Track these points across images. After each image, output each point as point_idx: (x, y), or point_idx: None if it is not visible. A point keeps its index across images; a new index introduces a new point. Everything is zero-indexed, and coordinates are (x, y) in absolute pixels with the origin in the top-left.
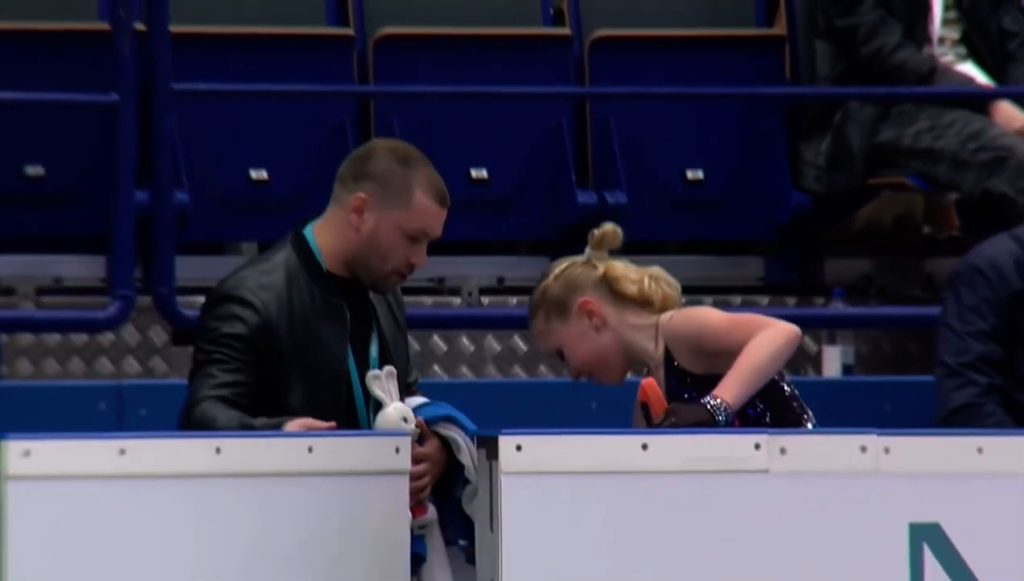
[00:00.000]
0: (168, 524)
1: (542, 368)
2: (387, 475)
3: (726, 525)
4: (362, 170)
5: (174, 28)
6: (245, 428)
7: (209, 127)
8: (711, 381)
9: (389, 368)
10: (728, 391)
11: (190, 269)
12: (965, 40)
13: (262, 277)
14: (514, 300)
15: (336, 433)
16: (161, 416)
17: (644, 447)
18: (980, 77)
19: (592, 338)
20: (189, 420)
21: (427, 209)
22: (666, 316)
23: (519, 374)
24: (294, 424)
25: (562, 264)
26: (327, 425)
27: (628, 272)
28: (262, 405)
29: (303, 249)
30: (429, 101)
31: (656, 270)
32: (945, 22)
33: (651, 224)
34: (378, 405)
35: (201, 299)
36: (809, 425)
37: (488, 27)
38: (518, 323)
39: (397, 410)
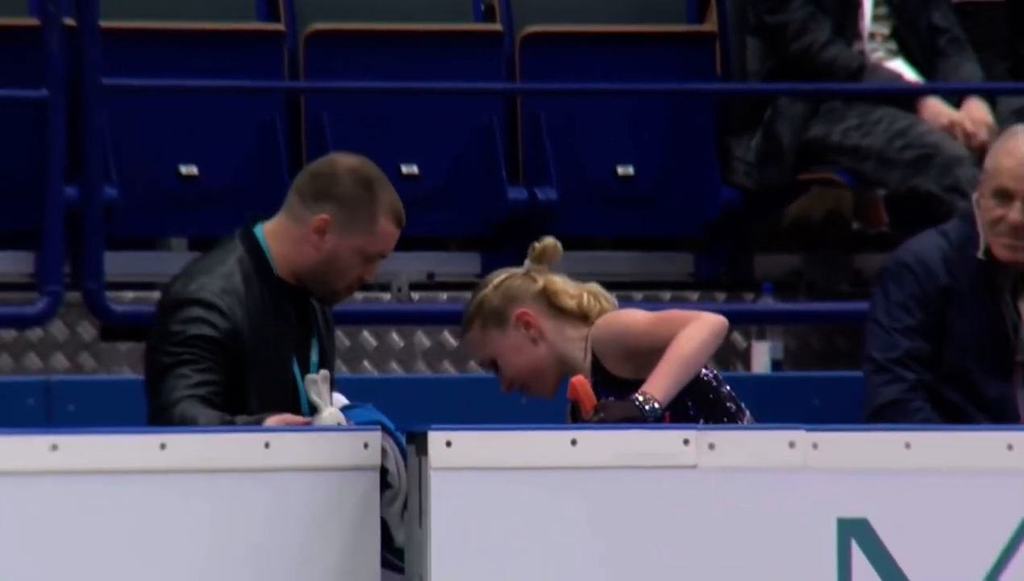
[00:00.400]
0: (108, 522)
1: (472, 364)
2: (355, 470)
3: (655, 521)
4: (326, 191)
5: (104, 23)
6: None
7: (139, 122)
8: (639, 385)
9: (324, 372)
10: (656, 386)
11: (119, 264)
12: (895, 36)
13: (222, 281)
14: (444, 296)
15: (306, 429)
16: (89, 412)
17: (573, 443)
18: (909, 74)
19: (528, 350)
20: (168, 422)
21: (388, 234)
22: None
23: (449, 370)
24: (273, 420)
25: (501, 275)
26: (305, 420)
27: (567, 286)
28: (225, 410)
29: (256, 253)
30: (360, 97)
31: (594, 286)
32: (875, 18)
33: (582, 220)
34: (313, 409)
35: (131, 295)
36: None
37: (419, 23)
38: (448, 319)
39: (332, 415)
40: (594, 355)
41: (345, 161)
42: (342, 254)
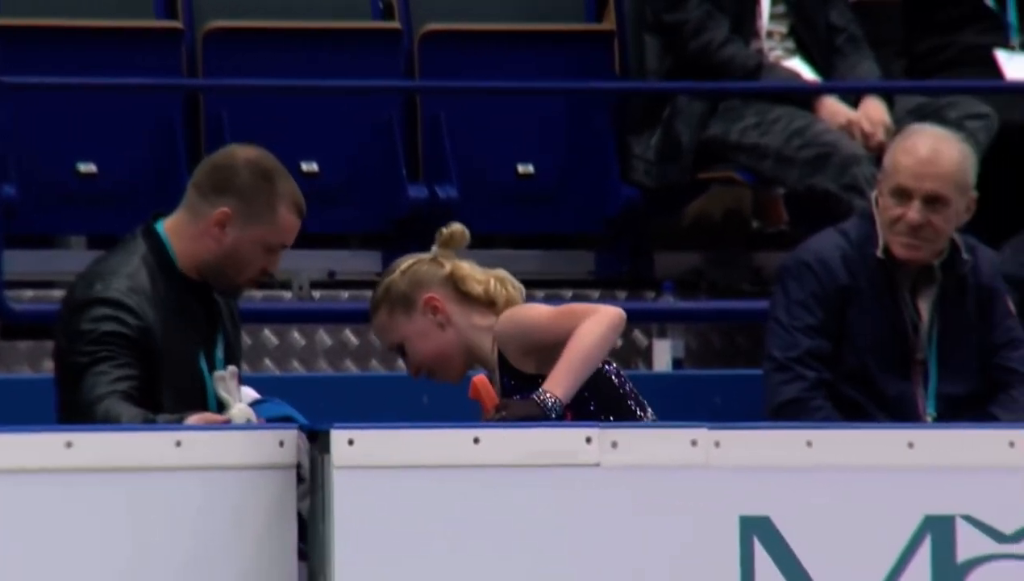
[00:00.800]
0: (10, 521)
1: (373, 362)
2: (271, 469)
3: (558, 519)
4: (224, 184)
5: (3, 20)
6: (149, 423)
7: (37, 120)
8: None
9: (232, 369)
10: (558, 384)
11: (18, 263)
12: (793, 34)
13: (128, 280)
14: (345, 294)
15: (221, 427)
16: None
17: (476, 441)
18: (807, 73)
19: (435, 335)
20: (91, 420)
21: (290, 224)
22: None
23: (350, 368)
24: (195, 419)
25: (408, 260)
26: (224, 418)
27: (474, 272)
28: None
29: (159, 250)
30: (259, 95)
31: (501, 272)
32: (773, 16)
33: (482, 218)
34: (221, 405)
35: (30, 293)
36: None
37: (318, 21)
38: (349, 317)
39: (242, 412)
40: (499, 350)
41: (243, 153)
42: (243, 246)
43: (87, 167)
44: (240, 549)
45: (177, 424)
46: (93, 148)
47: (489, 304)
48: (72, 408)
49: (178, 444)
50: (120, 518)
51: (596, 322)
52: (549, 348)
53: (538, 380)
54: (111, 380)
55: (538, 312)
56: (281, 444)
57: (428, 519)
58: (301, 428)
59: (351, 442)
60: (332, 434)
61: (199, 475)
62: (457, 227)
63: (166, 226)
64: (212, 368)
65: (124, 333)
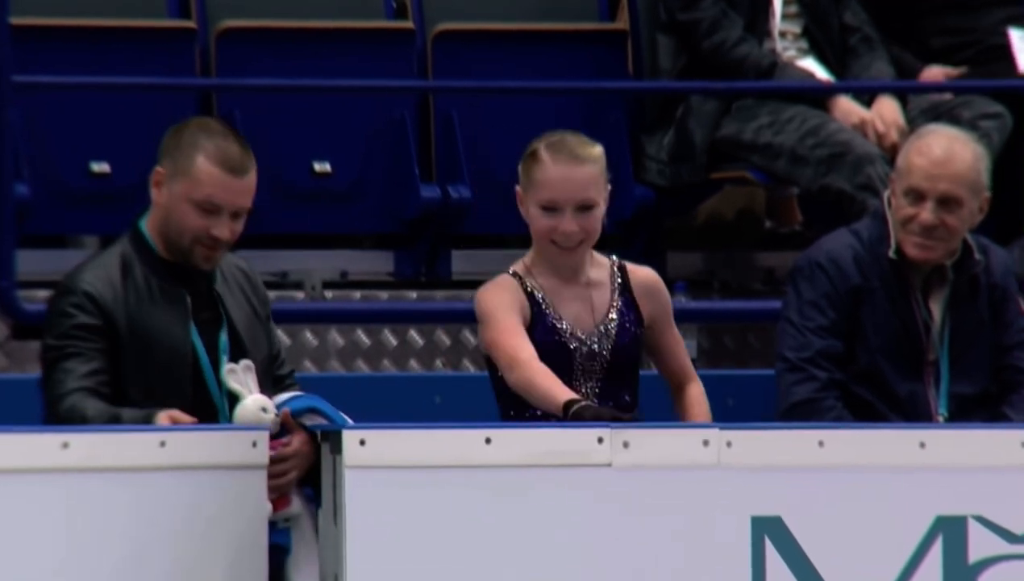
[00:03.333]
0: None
1: (385, 362)
2: (244, 469)
3: (569, 519)
4: (164, 146)
5: (15, 20)
6: (114, 420)
7: (51, 120)
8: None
9: (246, 362)
10: None
11: (31, 263)
12: (806, 34)
13: (97, 269)
14: (357, 294)
15: (194, 427)
16: (1, 411)
17: (488, 441)
18: (821, 72)
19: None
20: (57, 417)
21: (211, 176)
22: (608, 255)
23: (362, 368)
24: (162, 416)
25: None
26: (191, 420)
27: None
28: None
29: (137, 238)
30: (272, 94)
31: None
32: (786, 16)
33: (495, 219)
34: (235, 399)
35: (43, 293)
36: None
37: (331, 20)
38: (361, 317)
39: (255, 401)
40: (620, 284)
41: (199, 118)
42: (173, 204)
43: (100, 167)
44: (214, 549)
45: (143, 423)
46: (106, 148)
47: None
48: (44, 402)
49: (162, 444)
50: (109, 517)
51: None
52: (656, 340)
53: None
54: (78, 376)
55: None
56: (254, 445)
57: (440, 520)
58: (307, 428)
59: (363, 442)
60: (344, 434)
61: (180, 475)
62: None
63: (145, 217)
64: (212, 354)
65: (88, 323)
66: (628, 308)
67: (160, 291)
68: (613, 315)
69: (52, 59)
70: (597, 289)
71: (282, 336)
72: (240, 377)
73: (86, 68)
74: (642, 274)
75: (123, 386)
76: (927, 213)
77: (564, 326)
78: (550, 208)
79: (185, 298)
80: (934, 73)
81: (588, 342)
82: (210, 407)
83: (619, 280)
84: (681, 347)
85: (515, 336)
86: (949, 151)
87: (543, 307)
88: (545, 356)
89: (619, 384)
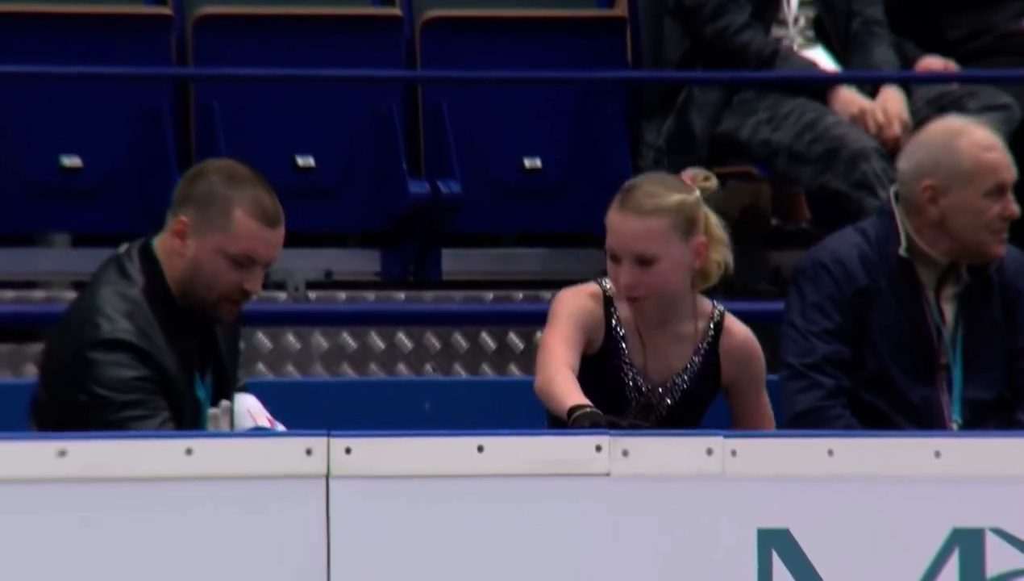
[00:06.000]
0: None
1: (372, 366)
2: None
3: (566, 532)
4: (187, 193)
5: None
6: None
7: (19, 112)
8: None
9: (225, 404)
10: None
11: None
12: (817, 22)
13: (133, 320)
14: (343, 295)
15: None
16: None
17: (480, 449)
18: (826, 62)
19: (684, 275)
20: None
21: (250, 231)
22: (709, 304)
23: (348, 373)
24: None
25: (694, 190)
26: None
27: (723, 242)
28: None
29: (158, 280)
30: (252, 85)
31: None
32: (802, 2)
33: (487, 215)
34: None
35: (10, 294)
36: None
37: (314, 7)
38: (347, 319)
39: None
40: (710, 341)
41: (216, 162)
42: (203, 257)
43: (71, 161)
44: (262, 565)
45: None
46: (77, 141)
47: (705, 276)
48: None
49: (189, 452)
50: (130, 530)
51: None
52: (738, 400)
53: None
54: (158, 424)
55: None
56: (308, 453)
57: (430, 532)
58: None
59: (348, 451)
60: (329, 442)
61: (212, 485)
62: (715, 179)
63: (158, 248)
64: (207, 395)
65: (146, 376)
66: (706, 368)
67: (177, 336)
68: (685, 376)
69: (20, 47)
70: (680, 342)
71: (264, 339)
72: (220, 423)
73: (56, 57)
74: (738, 336)
75: None
76: (1013, 204)
77: (628, 372)
78: (613, 256)
79: (195, 344)
80: (931, 63)
81: (649, 394)
82: None
83: (710, 337)
84: (763, 417)
85: (562, 343)
86: (996, 139)
87: (619, 343)
88: (601, 394)
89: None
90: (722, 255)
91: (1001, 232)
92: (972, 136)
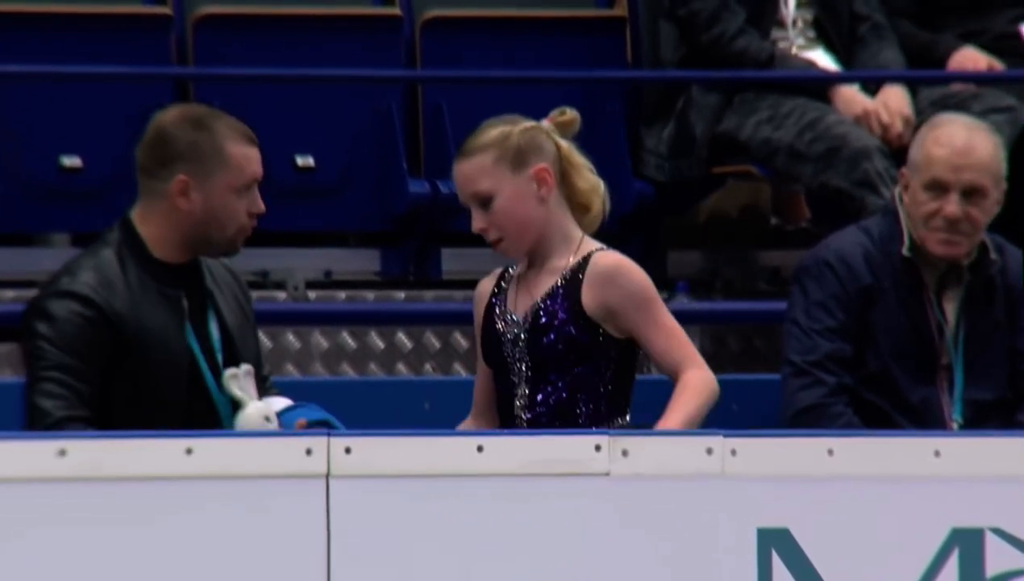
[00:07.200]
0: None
1: (372, 366)
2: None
3: (565, 531)
4: (166, 155)
5: None
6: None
7: (19, 112)
8: (592, 331)
9: (247, 367)
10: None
11: None
12: (816, 23)
13: (96, 272)
14: (342, 294)
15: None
16: None
17: (480, 449)
18: (825, 62)
19: (529, 205)
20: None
21: (245, 156)
22: (595, 244)
23: (348, 372)
24: None
25: (523, 121)
26: None
27: (586, 167)
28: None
29: (132, 239)
30: (252, 85)
31: (602, 183)
32: (800, 4)
33: None
34: (236, 405)
35: (10, 293)
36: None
37: (314, 7)
38: (346, 319)
39: (258, 410)
40: (575, 270)
41: (167, 116)
42: (216, 202)
43: (71, 161)
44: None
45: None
46: (77, 141)
47: (582, 206)
48: (31, 412)
49: (189, 452)
50: (130, 529)
51: (705, 382)
52: (640, 338)
53: (597, 335)
54: (75, 399)
55: (659, 302)
56: (308, 452)
57: (430, 531)
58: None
59: (348, 450)
60: (329, 442)
61: (212, 485)
62: (574, 113)
63: (135, 217)
64: (208, 353)
65: (88, 334)
66: (564, 298)
67: (156, 293)
68: (540, 302)
69: (20, 47)
70: (551, 275)
71: (263, 338)
72: (241, 383)
73: (57, 57)
74: (603, 261)
75: (120, 388)
76: (952, 206)
77: (501, 314)
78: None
79: (181, 299)
80: (968, 56)
81: (512, 326)
82: (209, 411)
83: (577, 265)
84: (666, 338)
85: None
86: (970, 140)
87: (498, 296)
88: (486, 347)
89: (545, 375)
90: (588, 180)
91: (940, 231)
92: (940, 131)
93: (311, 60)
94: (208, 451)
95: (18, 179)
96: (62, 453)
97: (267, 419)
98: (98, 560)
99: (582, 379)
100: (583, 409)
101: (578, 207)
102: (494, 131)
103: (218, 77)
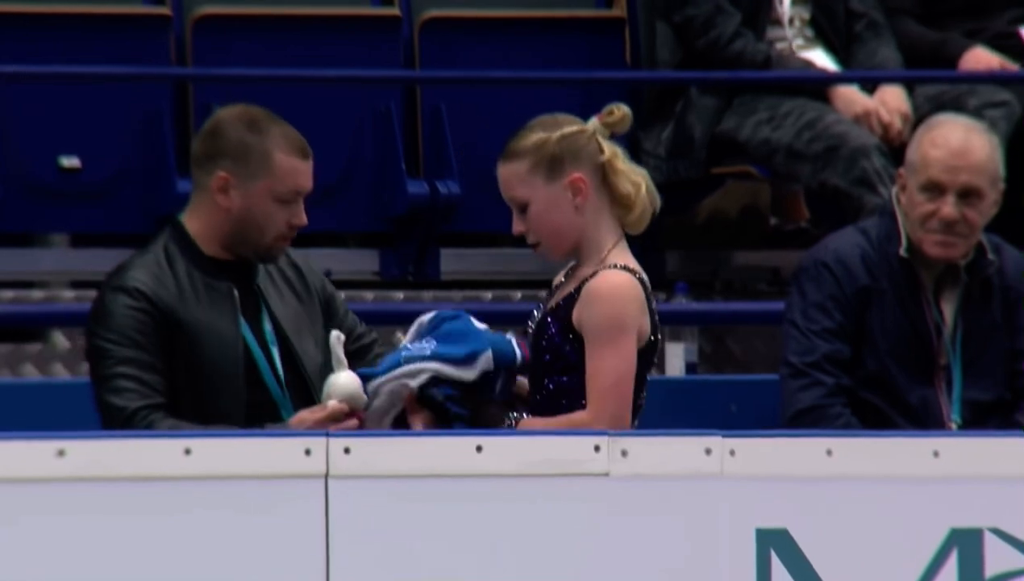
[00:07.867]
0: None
1: None
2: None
3: (565, 532)
4: (215, 148)
5: None
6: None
7: (18, 112)
8: (577, 345)
9: (337, 333)
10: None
11: None
12: (813, 22)
13: (145, 269)
14: (341, 295)
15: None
16: None
17: (479, 449)
18: (824, 62)
19: (565, 213)
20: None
21: (292, 167)
22: (617, 259)
23: None
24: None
25: (567, 125)
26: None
27: (629, 171)
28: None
29: (180, 236)
30: (251, 85)
31: (648, 179)
32: (795, 1)
33: (486, 215)
34: (329, 368)
35: (9, 294)
36: None
37: (313, 7)
38: None
39: (351, 380)
40: (585, 282)
41: (227, 112)
42: (253, 204)
43: (70, 161)
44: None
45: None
46: (76, 141)
47: (627, 206)
48: (102, 405)
49: (187, 452)
50: (129, 530)
51: (583, 425)
52: (589, 371)
53: (581, 349)
54: (145, 391)
55: (616, 342)
56: (308, 453)
57: (429, 531)
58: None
59: (347, 450)
60: (328, 442)
61: (211, 485)
62: (627, 110)
63: (185, 216)
64: (263, 345)
65: (147, 325)
66: (567, 302)
67: (205, 287)
68: (553, 308)
69: (19, 47)
70: (572, 282)
71: None
72: (335, 349)
73: (55, 57)
74: (598, 279)
75: (175, 383)
76: (948, 207)
77: (535, 316)
78: None
79: (232, 292)
80: (979, 56)
81: (532, 327)
82: (269, 404)
83: (589, 276)
84: (592, 376)
85: None
86: (966, 141)
87: (551, 290)
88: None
89: (540, 377)
90: (629, 185)
91: (936, 232)
92: (935, 132)
93: (310, 60)
94: (207, 451)
95: (17, 179)
96: (61, 453)
97: (356, 385)
98: (98, 560)
99: (567, 388)
100: None
101: (625, 208)
102: (533, 137)
103: (217, 77)
